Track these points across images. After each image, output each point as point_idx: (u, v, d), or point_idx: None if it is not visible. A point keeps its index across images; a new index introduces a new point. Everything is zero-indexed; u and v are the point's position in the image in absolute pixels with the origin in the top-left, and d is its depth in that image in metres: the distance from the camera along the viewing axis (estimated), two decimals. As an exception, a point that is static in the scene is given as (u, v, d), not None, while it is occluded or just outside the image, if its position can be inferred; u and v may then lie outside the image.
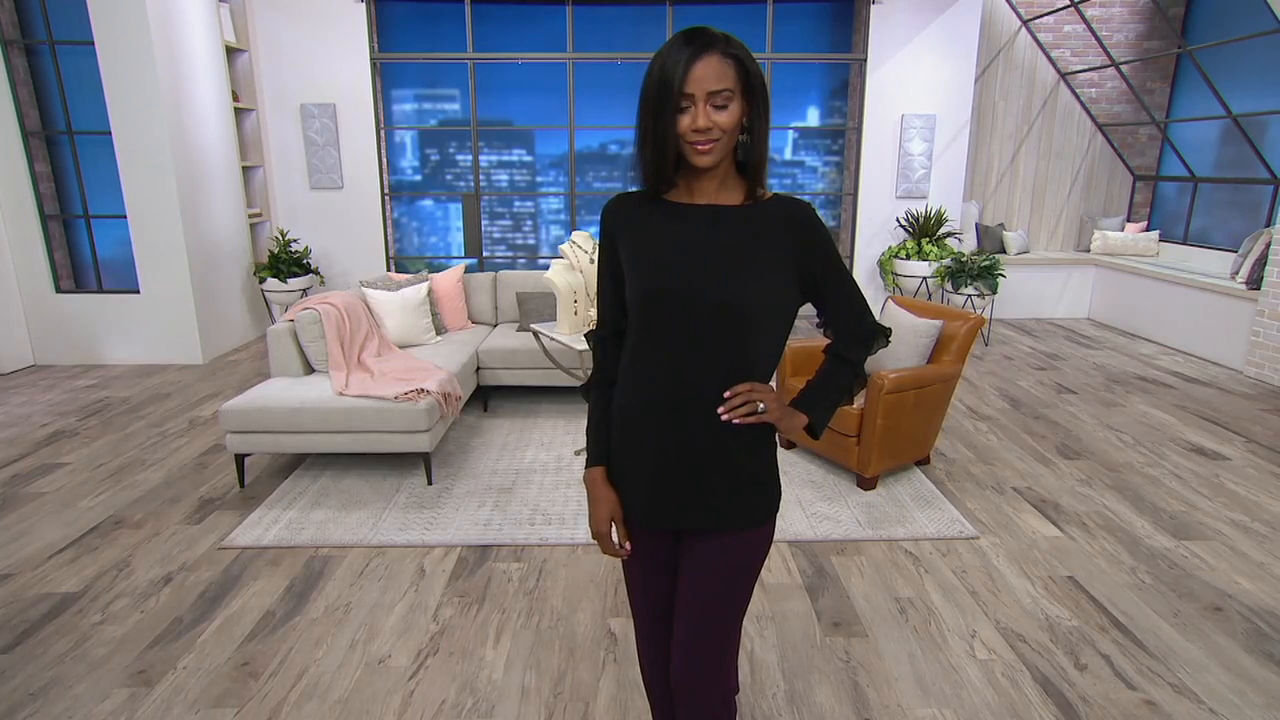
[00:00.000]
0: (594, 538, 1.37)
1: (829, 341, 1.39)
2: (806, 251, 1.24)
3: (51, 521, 3.09)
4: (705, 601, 1.35)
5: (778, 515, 1.38)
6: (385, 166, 6.90)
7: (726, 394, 1.23)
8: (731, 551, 1.32)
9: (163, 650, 2.27)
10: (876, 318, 1.36)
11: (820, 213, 1.31)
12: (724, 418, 1.23)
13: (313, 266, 6.39)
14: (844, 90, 7.16)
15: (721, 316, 1.21)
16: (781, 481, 1.38)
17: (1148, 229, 7.39)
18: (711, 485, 1.28)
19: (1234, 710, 2.03)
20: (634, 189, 1.33)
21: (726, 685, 1.41)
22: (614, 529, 1.37)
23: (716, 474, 1.27)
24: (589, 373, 3.77)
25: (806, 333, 6.30)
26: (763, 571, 2.66)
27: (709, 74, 1.14)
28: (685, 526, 1.32)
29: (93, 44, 4.90)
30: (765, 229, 1.23)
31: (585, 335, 1.48)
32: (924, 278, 6.46)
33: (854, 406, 3.31)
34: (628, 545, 1.37)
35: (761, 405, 1.24)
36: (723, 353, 1.23)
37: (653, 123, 1.17)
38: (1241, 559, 2.81)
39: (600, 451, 1.37)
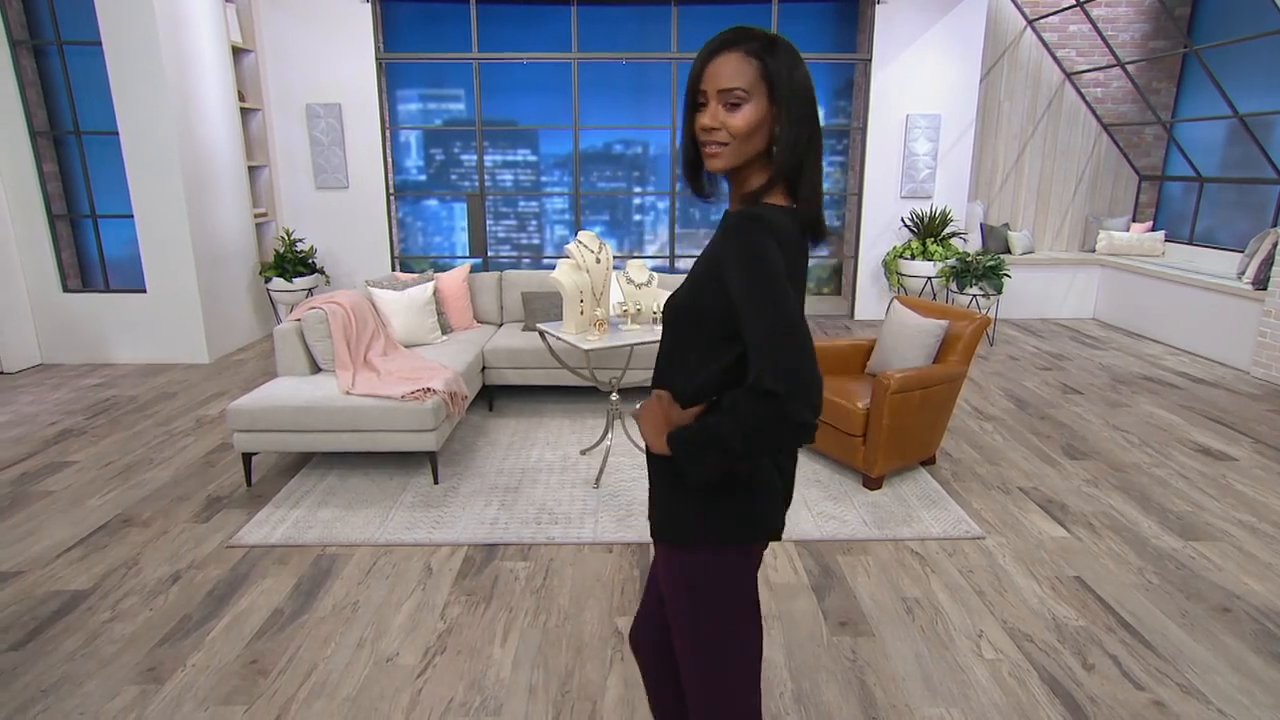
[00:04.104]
0: None
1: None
2: (723, 262, 1.13)
3: (60, 520, 3.10)
4: (670, 618, 1.33)
5: (734, 544, 1.25)
6: (390, 166, 6.92)
7: None
8: (666, 565, 1.29)
9: (172, 648, 2.28)
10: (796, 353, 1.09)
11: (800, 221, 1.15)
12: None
13: (318, 266, 6.41)
14: (849, 90, 7.16)
15: (667, 323, 1.26)
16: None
17: (1153, 229, 7.37)
18: (653, 492, 1.31)
19: (1242, 711, 2.02)
20: None
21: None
22: None
23: (654, 480, 1.30)
24: (595, 372, 3.78)
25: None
26: (769, 571, 2.68)
27: (723, 71, 1.11)
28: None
29: (100, 44, 4.91)
30: (718, 235, 1.20)
31: None
32: (929, 278, 6.45)
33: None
34: None
35: (638, 404, 1.25)
36: (661, 358, 1.27)
37: (685, 120, 1.18)
38: (1249, 560, 2.80)
39: None
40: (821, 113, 1.25)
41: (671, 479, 1.23)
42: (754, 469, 1.21)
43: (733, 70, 1.11)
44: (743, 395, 1.06)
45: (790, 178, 1.17)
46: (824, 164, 1.23)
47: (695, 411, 1.18)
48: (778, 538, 1.30)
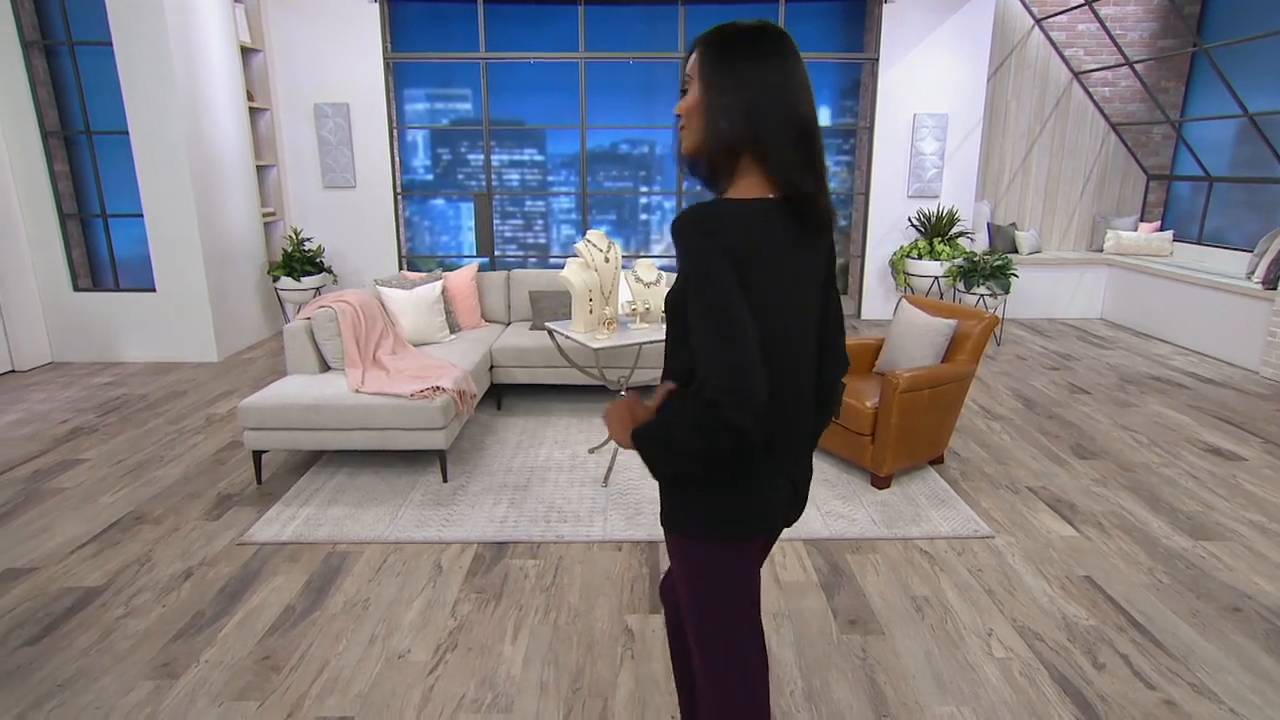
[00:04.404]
0: None
1: None
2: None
3: (73, 517, 3.12)
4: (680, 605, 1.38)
5: (723, 540, 1.26)
6: (398, 166, 6.93)
7: None
8: (672, 552, 1.33)
9: (185, 644, 2.30)
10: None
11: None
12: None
13: (326, 265, 6.43)
14: (855, 89, 7.16)
15: (666, 316, 1.30)
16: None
17: (1161, 229, 7.35)
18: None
19: (1255, 710, 2.02)
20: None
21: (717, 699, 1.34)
22: None
23: None
24: (603, 371, 3.79)
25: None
26: (779, 569, 2.68)
27: (689, 65, 1.20)
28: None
29: (111, 45, 4.94)
30: None
31: None
32: (936, 277, 6.44)
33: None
34: None
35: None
36: (666, 350, 1.31)
37: None
38: (1260, 559, 2.79)
39: None
40: (827, 112, 1.27)
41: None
42: (749, 467, 1.21)
43: (691, 62, 1.20)
44: (690, 399, 1.09)
45: (769, 168, 1.14)
46: (825, 157, 1.21)
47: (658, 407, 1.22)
48: (775, 534, 1.31)
